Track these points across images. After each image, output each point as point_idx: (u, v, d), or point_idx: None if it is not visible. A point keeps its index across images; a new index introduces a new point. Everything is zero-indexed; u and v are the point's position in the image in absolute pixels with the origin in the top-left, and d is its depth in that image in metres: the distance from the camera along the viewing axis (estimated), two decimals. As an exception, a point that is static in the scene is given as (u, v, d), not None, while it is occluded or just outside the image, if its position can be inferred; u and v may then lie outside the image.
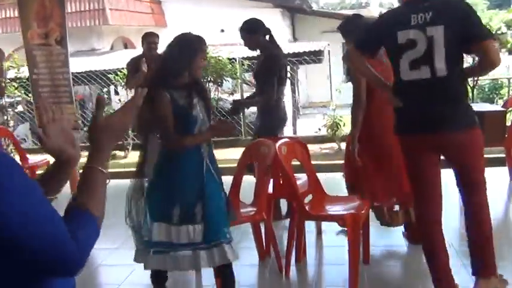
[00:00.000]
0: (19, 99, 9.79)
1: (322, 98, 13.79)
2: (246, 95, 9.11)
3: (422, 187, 2.95)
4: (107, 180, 1.27)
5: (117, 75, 8.26)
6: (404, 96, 2.83)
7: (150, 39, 5.47)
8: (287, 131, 9.99)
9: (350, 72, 3.68)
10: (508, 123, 5.01)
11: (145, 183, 2.95)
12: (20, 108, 10.59)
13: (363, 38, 3.02)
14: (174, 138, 2.77)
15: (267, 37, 4.25)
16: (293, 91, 10.58)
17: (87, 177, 1.26)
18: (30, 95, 6.60)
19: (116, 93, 9.83)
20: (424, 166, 2.91)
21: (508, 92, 9.25)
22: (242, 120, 8.77)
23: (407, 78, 2.77)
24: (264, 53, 4.29)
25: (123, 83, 8.07)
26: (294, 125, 9.86)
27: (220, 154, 8.05)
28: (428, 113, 2.78)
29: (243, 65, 8.49)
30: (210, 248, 2.75)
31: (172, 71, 2.76)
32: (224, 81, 8.15)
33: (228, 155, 7.70)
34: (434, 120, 2.77)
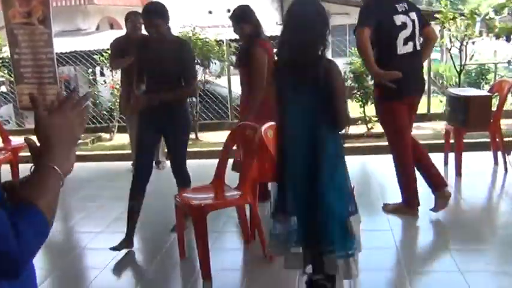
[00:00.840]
0: (2, 79, 9.61)
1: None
2: (233, 77, 9.05)
3: (408, 137, 3.86)
4: (61, 182, 1.12)
5: (102, 56, 8.13)
6: (401, 66, 3.56)
7: (134, 18, 5.37)
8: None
9: (254, 57, 3.90)
10: (494, 108, 5.02)
11: None
12: (3, 88, 10.41)
13: (369, 18, 3.61)
14: None
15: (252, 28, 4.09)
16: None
17: (39, 173, 1.09)
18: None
19: (102, 74, 9.70)
20: (408, 121, 3.87)
21: (495, 77, 9.28)
22: (229, 103, 8.71)
23: (401, 52, 3.62)
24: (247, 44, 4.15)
25: (108, 64, 7.96)
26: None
27: (205, 137, 8.06)
28: (418, 78, 3.88)
29: (230, 47, 8.40)
30: None
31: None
32: (211, 63, 8.06)
33: (214, 138, 7.67)
34: (421, 84, 4.00)
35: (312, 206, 2.45)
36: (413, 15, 3.66)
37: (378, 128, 7.90)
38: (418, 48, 3.71)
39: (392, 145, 3.91)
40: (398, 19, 3.60)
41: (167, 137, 3.75)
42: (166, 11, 3.55)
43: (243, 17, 4.02)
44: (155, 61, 3.54)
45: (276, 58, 2.90)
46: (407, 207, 3.88)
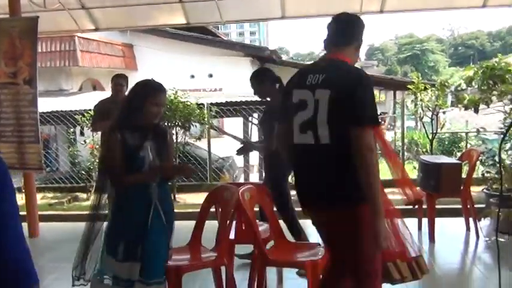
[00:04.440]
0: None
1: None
2: (213, 140, 9.20)
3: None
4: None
5: (84, 116, 8.23)
6: (294, 160, 2.63)
7: (116, 80, 5.53)
8: (253, 177, 10.10)
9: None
10: (464, 176, 5.20)
11: (99, 225, 3.15)
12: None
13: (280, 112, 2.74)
14: (117, 176, 2.91)
15: (277, 86, 4.33)
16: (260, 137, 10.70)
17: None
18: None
19: (82, 134, 9.76)
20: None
21: (466, 145, 9.61)
22: (208, 165, 8.79)
23: (297, 142, 2.52)
24: (271, 101, 4.39)
25: (89, 124, 8.04)
26: (260, 171, 9.93)
27: (184, 198, 8.05)
28: (312, 184, 2.52)
29: (211, 110, 8.60)
30: (148, 285, 2.91)
31: (126, 112, 2.92)
32: (192, 126, 8.21)
33: (192, 200, 7.68)
34: (317, 194, 2.50)
35: None
36: (322, 93, 2.38)
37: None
38: (325, 141, 2.38)
39: None
40: (298, 95, 2.50)
41: None
42: None
43: (262, 78, 4.29)
44: None
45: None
46: None
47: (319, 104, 2.38)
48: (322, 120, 2.37)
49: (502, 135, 2.07)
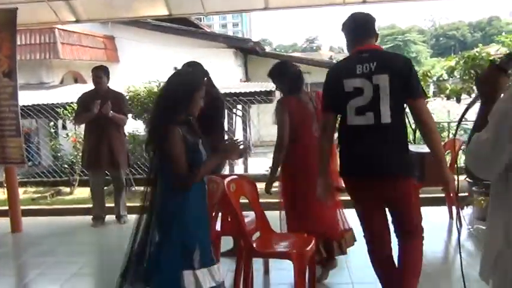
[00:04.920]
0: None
1: (274, 137, 13.97)
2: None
3: (369, 227, 3.11)
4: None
5: (65, 109, 8.12)
6: (351, 140, 3.02)
7: (95, 72, 5.53)
8: (238, 169, 10.09)
9: (276, 115, 3.97)
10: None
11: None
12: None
13: (325, 100, 3.12)
14: (189, 175, 2.57)
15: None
16: (244, 129, 10.71)
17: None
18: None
19: (64, 127, 9.63)
20: (370, 209, 3.07)
21: (448, 135, 9.71)
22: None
23: (353, 123, 2.93)
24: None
25: (71, 117, 7.94)
26: (245, 163, 9.93)
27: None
28: (373, 158, 2.92)
29: (195, 102, 8.54)
30: None
31: (177, 107, 2.64)
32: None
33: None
34: (379, 166, 2.91)
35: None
36: (380, 78, 2.85)
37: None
38: (387, 121, 2.86)
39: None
40: (350, 84, 2.92)
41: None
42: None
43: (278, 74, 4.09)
44: None
45: None
46: None
47: (380, 88, 2.84)
48: (385, 101, 2.83)
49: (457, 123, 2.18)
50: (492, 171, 1.61)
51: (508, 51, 6.22)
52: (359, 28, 3.06)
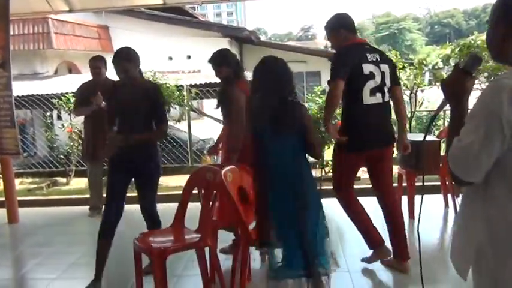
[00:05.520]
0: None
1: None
2: (193, 122, 9.14)
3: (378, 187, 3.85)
4: None
5: (60, 99, 8.08)
6: (367, 117, 3.56)
7: (93, 63, 5.45)
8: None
9: (233, 100, 3.97)
10: (443, 153, 5.27)
11: None
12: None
13: (341, 70, 3.49)
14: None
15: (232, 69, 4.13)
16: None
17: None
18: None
19: (59, 118, 9.60)
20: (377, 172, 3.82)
21: (444, 123, 9.74)
22: (189, 147, 8.75)
23: (368, 103, 3.53)
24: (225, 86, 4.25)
25: (66, 108, 7.91)
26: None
27: (165, 181, 8.02)
28: (384, 130, 3.69)
29: (190, 92, 8.53)
30: None
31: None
32: (171, 108, 8.14)
33: (174, 182, 7.66)
34: (387, 136, 3.74)
35: (302, 234, 2.80)
36: (384, 67, 3.59)
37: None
38: (387, 99, 3.64)
39: (338, 194, 3.88)
40: (367, 68, 3.51)
41: (138, 178, 3.77)
42: (136, 55, 3.70)
43: (220, 61, 4.11)
44: (127, 105, 3.64)
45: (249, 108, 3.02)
46: (375, 251, 3.87)
47: (385, 75, 3.59)
48: (388, 85, 3.63)
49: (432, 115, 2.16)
50: (482, 171, 1.56)
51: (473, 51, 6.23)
52: (353, 24, 3.73)
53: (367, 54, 3.55)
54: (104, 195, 3.79)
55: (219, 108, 4.26)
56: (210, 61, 4.17)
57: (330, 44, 3.92)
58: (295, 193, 2.84)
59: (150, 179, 3.79)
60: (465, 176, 1.60)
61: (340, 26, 3.69)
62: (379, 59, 3.59)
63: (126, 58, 3.61)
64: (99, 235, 3.58)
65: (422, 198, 1.98)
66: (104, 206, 3.71)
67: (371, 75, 3.51)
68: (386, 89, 3.61)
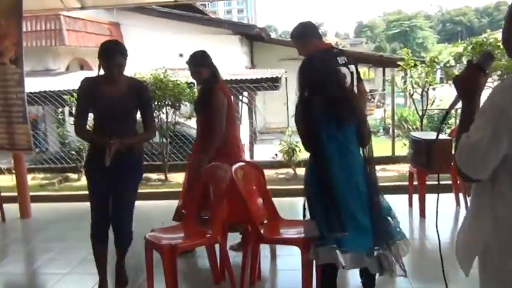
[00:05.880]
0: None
1: (279, 124, 14.00)
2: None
3: None
4: None
5: (72, 96, 8.13)
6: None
7: None
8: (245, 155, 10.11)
9: (216, 101, 3.99)
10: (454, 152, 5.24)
11: None
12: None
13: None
14: None
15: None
16: (250, 116, 10.70)
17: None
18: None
19: (71, 114, 9.66)
20: None
21: (455, 122, 9.67)
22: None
23: None
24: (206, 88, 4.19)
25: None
26: (251, 149, 9.95)
27: (175, 178, 8.05)
28: None
29: (201, 89, 8.54)
30: None
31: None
32: (182, 105, 8.16)
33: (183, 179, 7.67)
34: None
35: (376, 213, 2.96)
36: (352, 67, 3.84)
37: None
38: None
39: None
40: (341, 70, 3.60)
41: (117, 182, 3.33)
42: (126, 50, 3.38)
43: (201, 62, 4.08)
44: (110, 103, 3.27)
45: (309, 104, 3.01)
46: None
47: (353, 75, 3.83)
48: (355, 84, 3.83)
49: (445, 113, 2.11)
50: (489, 168, 1.56)
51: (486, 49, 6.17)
52: (318, 30, 4.10)
53: (337, 58, 3.78)
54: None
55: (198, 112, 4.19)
56: (188, 62, 4.14)
57: (298, 52, 4.04)
58: (365, 179, 3.01)
59: (133, 189, 3.45)
60: (472, 172, 1.60)
61: (312, 35, 3.97)
62: (346, 61, 3.82)
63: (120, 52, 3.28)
64: (94, 240, 3.44)
65: (438, 196, 1.96)
66: (91, 212, 3.44)
67: (345, 77, 3.72)
68: (355, 89, 3.84)
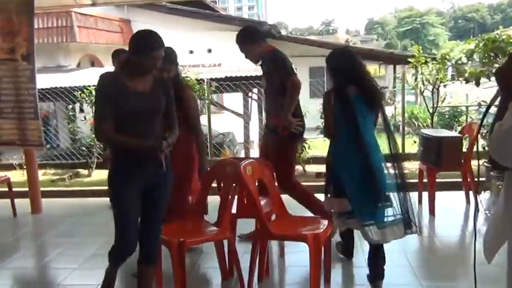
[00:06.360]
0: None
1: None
2: (213, 116, 9.17)
3: None
4: None
5: (83, 92, 8.19)
6: (300, 112, 4.30)
7: (122, 56, 5.38)
8: (254, 152, 10.12)
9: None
10: (464, 149, 5.20)
11: None
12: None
13: (292, 68, 4.30)
14: None
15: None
16: (260, 112, 10.69)
17: None
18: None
19: (81, 110, 9.73)
20: None
21: (466, 119, 9.60)
22: (208, 140, 8.78)
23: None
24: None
25: (88, 100, 8.00)
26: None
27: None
28: None
29: (210, 86, 8.55)
30: None
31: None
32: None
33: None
34: None
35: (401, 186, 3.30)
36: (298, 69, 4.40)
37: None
38: None
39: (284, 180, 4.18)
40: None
41: (155, 193, 2.95)
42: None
43: (171, 59, 3.88)
44: (141, 100, 2.84)
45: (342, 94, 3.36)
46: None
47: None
48: None
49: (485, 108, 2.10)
50: None
51: None
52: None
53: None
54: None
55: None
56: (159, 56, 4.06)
57: (245, 55, 4.23)
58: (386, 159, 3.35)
59: (166, 192, 3.02)
60: (502, 159, 1.65)
61: (260, 38, 4.22)
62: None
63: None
64: (118, 262, 3.05)
65: (476, 191, 1.96)
66: (119, 232, 2.94)
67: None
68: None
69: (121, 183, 2.87)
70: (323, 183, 3.83)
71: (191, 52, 14.92)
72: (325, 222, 3.42)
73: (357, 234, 4.53)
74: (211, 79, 8.81)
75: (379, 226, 3.24)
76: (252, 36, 4.23)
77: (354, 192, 3.30)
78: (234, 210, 3.76)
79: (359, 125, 3.25)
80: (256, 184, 3.53)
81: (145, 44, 2.87)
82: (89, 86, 8.04)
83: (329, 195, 3.59)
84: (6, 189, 5.68)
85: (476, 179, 4.97)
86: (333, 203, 3.52)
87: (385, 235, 3.25)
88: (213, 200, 3.80)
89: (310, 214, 4.11)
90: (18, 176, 7.47)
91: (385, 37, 71.29)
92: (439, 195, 5.12)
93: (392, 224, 3.27)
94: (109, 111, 2.78)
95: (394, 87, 18.41)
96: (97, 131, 2.93)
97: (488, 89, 6.34)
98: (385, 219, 3.27)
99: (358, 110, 3.26)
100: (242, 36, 4.20)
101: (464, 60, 7.93)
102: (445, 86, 7.96)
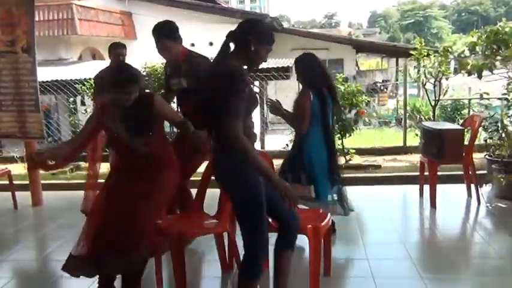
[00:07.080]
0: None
1: (291, 114, 13.93)
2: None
3: None
4: None
5: (84, 85, 8.18)
6: None
7: (118, 50, 5.36)
8: (255, 145, 10.11)
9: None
10: (466, 142, 5.17)
11: None
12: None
13: None
14: None
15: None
16: (261, 106, 10.66)
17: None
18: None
19: (83, 103, 9.72)
20: None
21: (469, 112, 9.57)
22: (210, 133, 8.78)
23: None
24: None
25: (89, 93, 8.00)
26: (262, 139, 9.94)
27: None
28: None
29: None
30: None
31: None
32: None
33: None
34: None
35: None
36: None
37: (356, 160, 8.04)
38: None
39: None
40: None
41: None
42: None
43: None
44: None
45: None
46: None
47: None
48: None
49: (505, 101, 2.06)
50: None
51: None
52: None
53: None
54: None
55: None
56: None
57: (167, 53, 4.10)
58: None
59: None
60: None
61: (179, 37, 4.16)
62: None
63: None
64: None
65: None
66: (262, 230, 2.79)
67: None
68: None
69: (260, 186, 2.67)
70: None
71: (192, 45, 14.84)
72: (325, 214, 3.41)
73: (359, 227, 4.54)
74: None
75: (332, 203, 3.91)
76: (175, 35, 4.21)
77: (320, 176, 3.91)
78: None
79: (328, 116, 3.97)
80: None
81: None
82: (90, 78, 8.03)
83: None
84: (7, 182, 5.69)
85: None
86: (296, 188, 3.61)
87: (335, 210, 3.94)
88: (212, 193, 3.79)
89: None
90: (19, 168, 7.48)
91: (388, 30, 70.96)
92: (440, 188, 5.10)
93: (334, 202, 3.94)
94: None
95: (397, 80, 18.36)
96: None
97: (492, 81, 6.30)
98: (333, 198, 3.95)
99: (328, 105, 3.99)
100: (163, 30, 4.20)
101: (467, 53, 7.88)
102: (447, 78, 7.93)
